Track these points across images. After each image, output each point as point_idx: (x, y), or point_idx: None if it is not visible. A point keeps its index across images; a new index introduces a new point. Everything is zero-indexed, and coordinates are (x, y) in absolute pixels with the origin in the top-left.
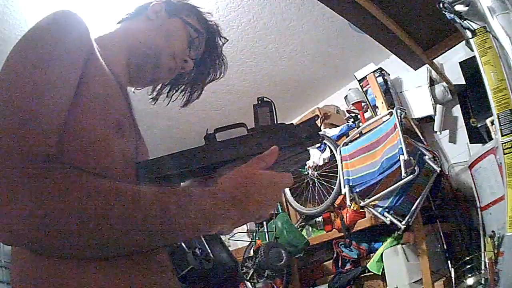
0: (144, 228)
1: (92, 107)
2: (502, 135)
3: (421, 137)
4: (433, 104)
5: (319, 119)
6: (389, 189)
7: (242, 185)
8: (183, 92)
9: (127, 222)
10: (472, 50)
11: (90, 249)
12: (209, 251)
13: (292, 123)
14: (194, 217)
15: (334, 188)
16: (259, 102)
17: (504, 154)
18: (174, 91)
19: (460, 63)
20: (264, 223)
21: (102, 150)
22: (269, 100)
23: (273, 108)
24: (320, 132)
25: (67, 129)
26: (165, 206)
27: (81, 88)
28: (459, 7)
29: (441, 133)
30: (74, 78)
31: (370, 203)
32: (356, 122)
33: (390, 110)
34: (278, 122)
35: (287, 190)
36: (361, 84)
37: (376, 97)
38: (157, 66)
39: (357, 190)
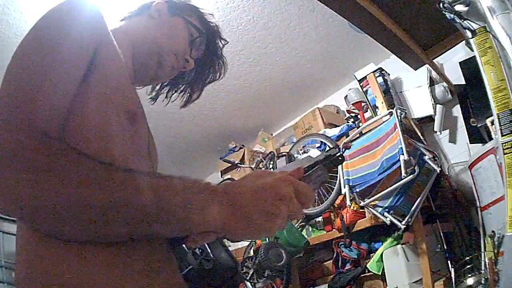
0: (135, 213)
1: (106, 94)
2: (502, 135)
3: (421, 137)
4: (433, 104)
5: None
6: (389, 189)
7: (245, 177)
8: (183, 93)
9: (119, 204)
10: (472, 50)
11: (79, 226)
12: (209, 251)
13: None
14: (184, 204)
15: (334, 188)
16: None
17: (504, 154)
18: (174, 91)
19: (460, 63)
20: None
21: (115, 138)
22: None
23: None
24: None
25: (77, 113)
26: (159, 194)
27: (93, 75)
28: (459, 7)
29: (441, 133)
30: (83, 62)
31: (370, 203)
32: (356, 122)
33: (390, 110)
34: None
35: None
36: (361, 84)
37: (376, 97)
38: (160, 64)
39: (357, 190)
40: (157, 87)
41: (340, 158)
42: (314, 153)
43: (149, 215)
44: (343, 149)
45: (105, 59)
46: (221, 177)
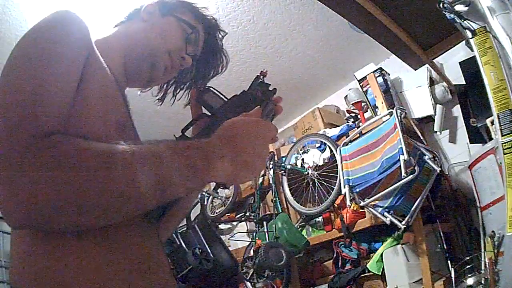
0: (143, 179)
1: (92, 106)
2: (502, 135)
3: (421, 137)
4: (433, 104)
5: (262, 75)
6: (389, 189)
7: (233, 127)
8: (188, 90)
9: (127, 177)
10: (472, 50)
11: (94, 211)
12: (209, 251)
13: (243, 91)
14: (190, 162)
15: (334, 188)
16: (200, 92)
17: (504, 154)
18: (179, 90)
19: (460, 63)
20: (264, 223)
21: None
22: (207, 86)
23: (214, 89)
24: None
25: (67, 128)
26: (160, 156)
27: (82, 87)
28: (459, 7)
29: (441, 133)
30: (75, 75)
31: (370, 203)
32: (356, 122)
33: (390, 110)
34: (228, 98)
35: (287, 190)
36: (361, 84)
37: (376, 97)
38: (153, 65)
39: (357, 190)
40: (164, 87)
41: (262, 82)
42: (315, 153)
43: (157, 184)
44: (262, 76)
45: (90, 73)
46: None
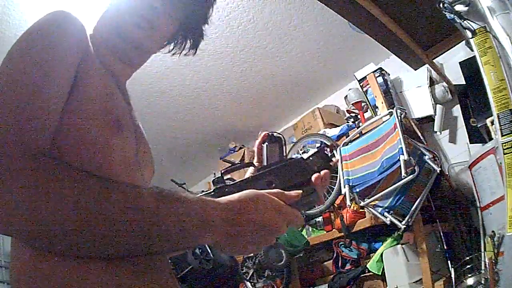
0: (133, 229)
1: (89, 107)
2: (502, 135)
3: (421, 137)
4: (433, 104)
5: (329, 148)
6: (389, 189)
7: (248, 204)
8: (198, 32)
9: (117, 221)
10: (472, 50)
11: (78, 244)
12: (209, 251)
13: (302, 157)
14: (185, 220)
15: (334, 188)
16: (269, 138)
17: (504, 154)
18: (191, 35)
19: (460, 63)
20: None
21: (101, 149)
22: (280, 136)
23: (283, 143)
24: (331, 163)
25: (65, 129)
26: (158, 207)
27: (78, 88)
28: (459, 7)
29: (441, 133)
30: (69, 77)
31: (370, 203)
32: (356, 122)
33: (390, 110)
34: (288, 158)
35: None
36: (361, 84)
37: (376, 97)
38: (121, 35)
39: (357, 190)
40: (178, 42)
41: (327, 155)
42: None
43: (146, 236)
44: (330, 149)
45: (86, 74)
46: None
